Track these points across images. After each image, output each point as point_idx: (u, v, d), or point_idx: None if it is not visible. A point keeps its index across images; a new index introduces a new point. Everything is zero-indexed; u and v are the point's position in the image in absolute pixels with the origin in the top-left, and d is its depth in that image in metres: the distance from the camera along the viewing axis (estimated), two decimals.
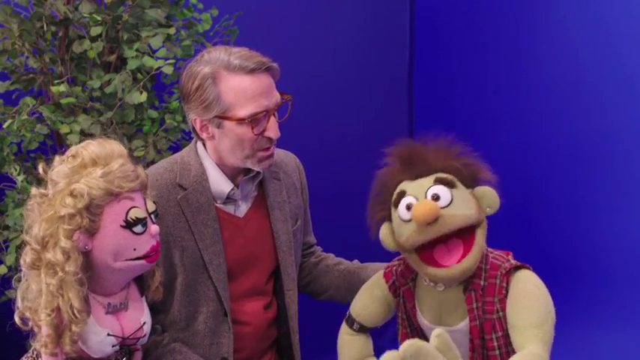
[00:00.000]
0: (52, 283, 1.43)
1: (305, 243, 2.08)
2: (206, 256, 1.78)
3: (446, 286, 1.62)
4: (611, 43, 2.87)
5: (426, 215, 1.49)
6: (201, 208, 1.79)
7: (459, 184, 1.56)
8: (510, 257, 1.62)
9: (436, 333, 1.38)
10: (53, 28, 2.57)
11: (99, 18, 2.45)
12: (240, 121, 1.70)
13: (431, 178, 1.56)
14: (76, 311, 1.43)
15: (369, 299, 1.79)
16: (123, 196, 1.47)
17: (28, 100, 2.52)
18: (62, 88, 2.42)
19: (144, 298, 1.63)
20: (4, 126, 2.41)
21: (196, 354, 1.80)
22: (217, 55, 1.73)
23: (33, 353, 1.58)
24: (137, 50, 2.47)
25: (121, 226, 1.46)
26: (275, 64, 1.75)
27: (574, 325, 2.60)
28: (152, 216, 1.53)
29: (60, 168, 1.50)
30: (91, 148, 1.49)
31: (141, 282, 1.62)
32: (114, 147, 1.51)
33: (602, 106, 2.91)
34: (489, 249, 1.64)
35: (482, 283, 1.59)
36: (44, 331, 1.46)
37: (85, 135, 2.48)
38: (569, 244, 2.96)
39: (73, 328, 1.44)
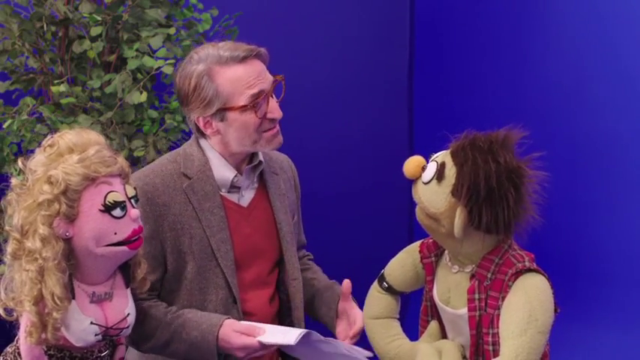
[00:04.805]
0: (31, 270, 1.45)
1: (297, 241, 2.08)
2: (214, 243, 1.81)
3: (458, 269, 1.65)
4: (611, 43, 2.87)
5: (406, 164, 1.63)
6: (207, 196, 1.82)
7: (446, 178, 1.58)
8: (528, 259, 1.61)
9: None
10: (53, 28, 2.57)
11: (99, 18, 2.46)
12: (243, 108, 1.75)
13: (445, 155, 1.60)
14: (57, 298, 1.45)
15: (400, 263, 1.81)
16: (100, 180, 1.48)
17: (28, 100, 2.53)
18: (62, 88, 2.42)
19: (129, 290, 1.64)
20: (4, 126, 2.41)
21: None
22: (206, 52, 1.78)
23: (17, 342, 1.59)
24: (137, 50, 2.47)
25: (100, 210, 1.48)
26: (263, 49, 1.80)
27: (574, 325, 2.60)
28: (132, 200, 1.55)
29: (38, 158, 1.52)
30: (68, 136, 1.51)
31: (127, 273, 1.64)
32: (91, 135, 1.53)
33: (602, 106, 2.91)
34: (514, 246, 1.64)
35: (489, 275, 1.59)
36: (29, 320, 1.48)
37: None
38: (570, 244, 2.96)
39: (54, 314, 1.46)
